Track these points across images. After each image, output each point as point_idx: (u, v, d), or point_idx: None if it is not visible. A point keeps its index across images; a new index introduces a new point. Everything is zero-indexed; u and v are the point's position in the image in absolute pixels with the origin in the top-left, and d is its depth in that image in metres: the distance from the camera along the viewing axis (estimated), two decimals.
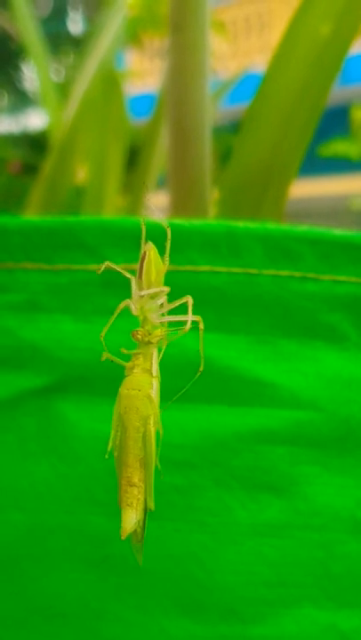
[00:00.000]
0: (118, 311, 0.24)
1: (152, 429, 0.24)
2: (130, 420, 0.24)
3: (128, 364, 0.24)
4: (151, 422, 0.24)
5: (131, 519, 0.24)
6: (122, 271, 0.24)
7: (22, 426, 0.31)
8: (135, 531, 0.25)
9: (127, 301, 0.24)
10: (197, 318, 0.24)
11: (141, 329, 0.24)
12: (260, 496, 0.30)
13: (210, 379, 0.30)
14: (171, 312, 0.24)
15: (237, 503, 0.30)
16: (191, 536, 0.30)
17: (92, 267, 0.30)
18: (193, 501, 0.30)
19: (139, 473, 0.24)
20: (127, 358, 0.25)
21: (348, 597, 0.30)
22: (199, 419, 0.30)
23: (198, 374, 0.25)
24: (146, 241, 0.24)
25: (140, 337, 0.24)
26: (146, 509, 0.24)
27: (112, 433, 0.24)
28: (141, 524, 0.25)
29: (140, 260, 0.24)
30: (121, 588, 0.31)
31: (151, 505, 0.24)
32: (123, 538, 0.24)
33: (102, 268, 0.25)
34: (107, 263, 0.25)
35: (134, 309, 0.24)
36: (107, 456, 0.24)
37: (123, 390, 0.24)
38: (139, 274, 0.24)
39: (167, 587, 0.30)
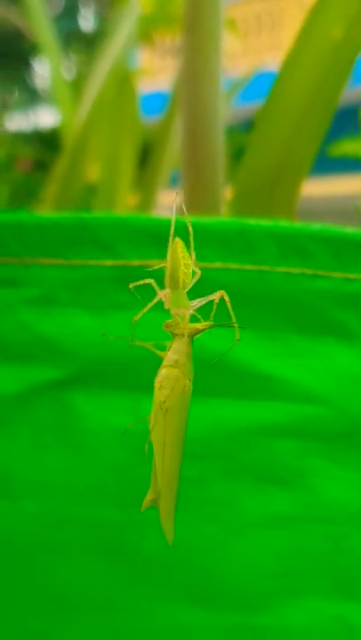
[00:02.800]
0: (155, 300, 0.25)
1: (165, 417, 0.25)
2: (157, 407, 0.25)
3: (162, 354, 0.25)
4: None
5: (148, 495, 0.25)
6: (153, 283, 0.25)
7: (37, 418, 0.31)
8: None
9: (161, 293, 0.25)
10: (222, 292, 0.24)
11: (173, 321, 0.25)
12: (269, 488, 0.30)
13: (221, 373, 0.30)
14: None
15: (246, 495, 0.30)
16: (201, 527, 0.31)
17: (107, 262, 0.31)
18: (203, 493, 0.31)
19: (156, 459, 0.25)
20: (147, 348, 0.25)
21: (355, 590, 0.30)
22: (210, 412, 0.31)
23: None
24: (162, 239, 0.25)
25: (190, 331, 0.25)
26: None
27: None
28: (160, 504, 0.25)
29: (169, 256, 0.24)
30: (132, 577, 0.31)
31: (157, 487, 0.25)
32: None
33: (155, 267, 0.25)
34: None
35: (166, 304, 0.25)
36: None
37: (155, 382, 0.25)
38: (173, 268, 0.24)
39: (177, 577, 0.31)
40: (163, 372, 0.24)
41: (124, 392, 0.31)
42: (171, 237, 0.24)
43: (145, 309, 0.25)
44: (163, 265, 0.25)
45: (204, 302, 0.25)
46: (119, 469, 0.31)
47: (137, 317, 0.25)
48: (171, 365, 0.25)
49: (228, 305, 0.24)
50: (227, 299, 0.24)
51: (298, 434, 0.30)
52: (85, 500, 0.31)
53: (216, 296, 0.25)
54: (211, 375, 0.29)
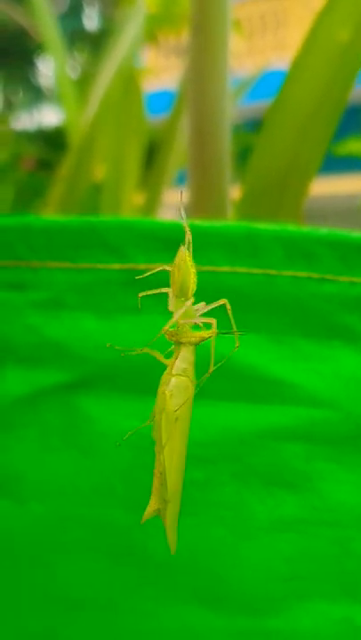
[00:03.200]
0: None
1: (167, 424, 0.25)
2: (156, 415, 0.25)
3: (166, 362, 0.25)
4: (164, 417, 0.25)
5: (150, 506, 0.25)
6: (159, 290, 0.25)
7: (45, 421, 0.32)
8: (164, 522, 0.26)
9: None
10: (212, 320, 0.25)
11: (175, 330, 0.25)
12: (277, 492, 0.31)
13: (229, 377, 0.30)
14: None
15: (255, 498, 0.31)
16: (209, 530, 0.31)
17: (115, 266, 0.31)
18: (211, 496, 0.31)
19: (159, 465, 0.25)
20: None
21: None
22: (218, 416, 0.31)
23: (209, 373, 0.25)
24: (167, 243, 0.25)
25: (173, 337, 0.25)
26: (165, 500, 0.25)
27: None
28: (166, 514, 0.25)
29: (175, 265, 0.24)
30: (139, 579, 0.31)
31: (165, 496, 0.25)
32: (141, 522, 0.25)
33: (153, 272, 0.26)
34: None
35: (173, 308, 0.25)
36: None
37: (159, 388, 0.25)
38: (178, 280, 0.24)
39: (185, 579, 0.31)
40: (173, 380, 0.25)
41: (131, 395, 0.31)
42: (186, 244, 0.24)
43: (173, 320, 0.25)
44: (166, 268, 0.25)
45: (207, 309, 0.25)
46: (126, 472, 0.31)
47: (166, 328, 0.25)
48: (180, 374, 0.25)
49: (230, 312, 0.24)
50: (228, 307, 0.24)
51: (305, 437, 0.31)
52: (93, 502, 0.31)
53: (219, 303, 0.25)
54: (218, 379, 0.29)
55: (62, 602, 0.32)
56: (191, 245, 0.25)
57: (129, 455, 0.31)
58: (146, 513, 0.26)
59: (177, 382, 0.25)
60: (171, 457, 0.25)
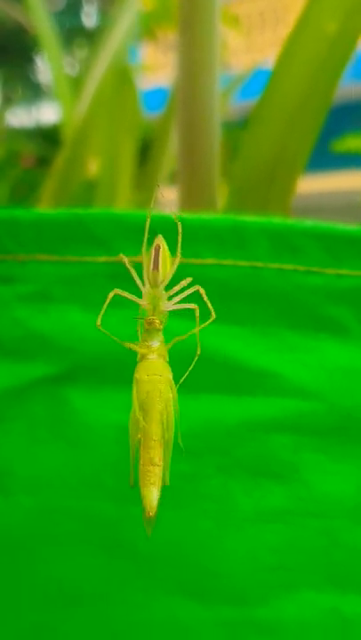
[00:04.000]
0: (108, 300, 0.25)
1: (172, 411, 0.25)
2: (153, 404, 0.25)
3: (142, 351, 0.25)
4: (172, 404, 0.25)
5: (155, 497, 0.25)
6: (131, 270, 0.25)
7: (32, 414, 0.32)
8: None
9: (116, 291, 0.25)
10: (194, 306, 0.25)
11: (156, 317, 0.25)
12: (263, 483, 0.31)
13: (214, 369, 0.30)
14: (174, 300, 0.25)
15: (241, 490, 0.31)
16: (195, 522, 0.31)
17: (102, 259, 0.31)
18: (197, 488, 0.31)
19: (159, 453, 0.25)
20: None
21: (350, 583, 0.31)
22: (204, 408, 0.31)
23: (195, 360, 0.26)
24: (150, 234, 0.25)
25: (157, 325, 0.25)
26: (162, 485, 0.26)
27: (132, 419, 0.25)
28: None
29: (152, 252, 0.25)
30: (128, 571, 0.31)
31: (167, 480, 0.25)
32: (152, 515, 0.25)
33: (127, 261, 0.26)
34: (120, 256, 0.26)
35: (145, 300, 0.25)
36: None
37: (143, 376, 0.25)
38: (153, 265, 0.25)
39: (173, 571, 0.31)
40: (167, 370, 0.25)
41: (118, 387, 0.31)
42: (146, 235, 0.25)
43: (102, 310, 0.25)
44: (139, 260, 0.25)
45: (183, 297, 0.25)
46: (115, 464, 0.31)
47: (98, 321, 0.25)
48: (167, 362, 0.25)
49: (205, 297, 0.25)
50: (202, 291, 0.25)
51: (292, 428, 0.31)
52: (81, 494, 0.32)
53: (193, 290, 0.25)
54: (204, 371, 0.29)
55: (52, 594, 0.32)
56: (180, 237, 0.25)
57: (117, 447, 0.31)
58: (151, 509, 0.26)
59: (167, 370, 0.25)
60: (163, 444, 0.25)
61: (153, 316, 0.25)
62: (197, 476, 0.31)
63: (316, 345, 0.31)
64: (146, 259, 0.25)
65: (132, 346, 0.25)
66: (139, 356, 0.26)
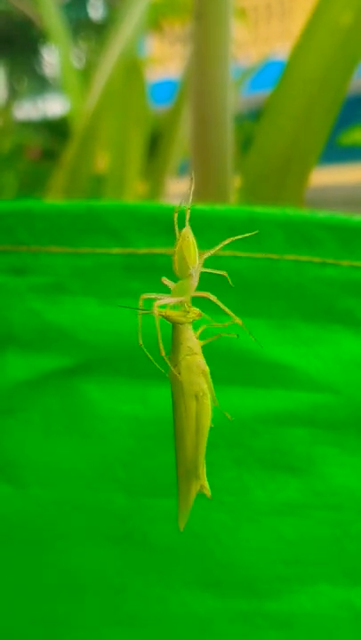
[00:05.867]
0: (141, 305, 0.25)
1: (199, 404, 0.25)
2: (190, 396, 0.25)
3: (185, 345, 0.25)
4: (209, 396, 0.25)
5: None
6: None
7: (46, 405, 0.32)
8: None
9: (144, 296, 0.25)
10: (207, 294, 0.25)
11: (189, 310, 0.25)
12: (279, 476, 0.31)
13: (230, 361, 0.30)
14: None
15: (256, 483, 0.31)
16: (210, 514, 0.31)
17: (116, 250, 0.31)
18: (213, 481, 0.31)
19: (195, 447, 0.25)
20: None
21: None
22: (220, 400, 0.31)
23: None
24: (180, 227, 0.25)
25: (195, 317, 0.25)
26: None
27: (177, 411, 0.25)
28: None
29: (179, 243, 0.24)
30: (142, 563, 0.31)
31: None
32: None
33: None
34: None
35: (175, 294, 0.25)
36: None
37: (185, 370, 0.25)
38: (183, 256, 0.25)
39: (187, 563, 0.31)
40: (197, 359, 0.25)
41: (133, 380, 0.31)
42: (176, 228, 0.24)
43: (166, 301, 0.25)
44: (169, 252, 0.25)
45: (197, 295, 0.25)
46: (128, 456, 0.31)
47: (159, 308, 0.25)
48: (196, 353, 0.25)
49: (218, 303, 0.25)
50: (213, 298, 0.25)
51: (307, 421, 0.31)
52: (95, 486, 0.32)
53: (203, 293, 0.25)
54: (220, 363, 0.29)
55: (66, 585, 0.32)
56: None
57: (130, 440, 0.31)
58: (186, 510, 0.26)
59: (196, 361, 0.25)
60: (195, 435, 0.25)
61: (186, 309, 0.25)
62: (213, 469, 0.31)
63: (331, 337, 0.31)
64: (177, 251, 0.25)
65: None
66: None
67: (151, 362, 0.26)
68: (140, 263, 0.31)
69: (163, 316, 0.25)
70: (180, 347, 0.25)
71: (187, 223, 0.24)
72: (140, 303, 0.25)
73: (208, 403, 0.25)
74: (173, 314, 0.25)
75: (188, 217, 0.24)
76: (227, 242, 0.25)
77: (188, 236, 0.24)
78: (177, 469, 0.26)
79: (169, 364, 0.25)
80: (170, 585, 0.31)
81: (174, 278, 0.25)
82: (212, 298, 0.25)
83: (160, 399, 0.31)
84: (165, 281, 0.25)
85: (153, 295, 0.25)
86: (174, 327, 0.25)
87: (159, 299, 0.25)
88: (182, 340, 0.25)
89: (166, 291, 0.25)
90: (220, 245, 0.25)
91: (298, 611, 0.31)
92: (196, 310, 0.25)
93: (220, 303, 0.24)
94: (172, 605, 0.31)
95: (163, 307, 0.25)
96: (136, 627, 0.31)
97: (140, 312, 0.25)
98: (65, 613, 0.32)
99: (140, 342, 0.25)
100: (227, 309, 0.24)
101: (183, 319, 0.25)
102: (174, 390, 0.25)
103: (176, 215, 0.24)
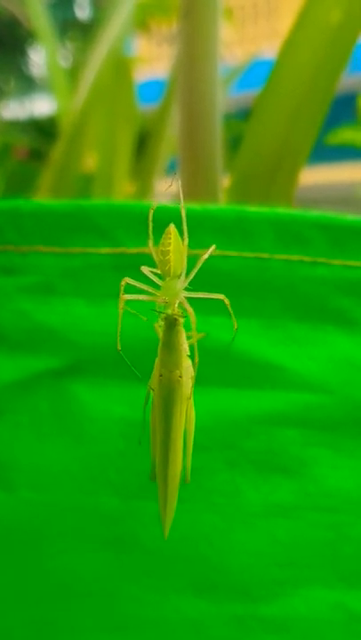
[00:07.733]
0: (122, 290, 0.25)
1: (187, 407, 0.25)
2: (185, 399, 0.25)
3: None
4: (187, 399, 0.25)
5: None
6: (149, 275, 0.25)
7: (36, 407, 0.31)
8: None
9: (126, 280, 0.25)
10: (222, 296, 0.24)
11: (176, 311, 0.25)
12: (271, 478, 0.30)
13: (222, 362, 0.30)
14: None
15: (249, 485, 0.30)
16: (203, 517, 0.31)
17: (105, 250, 0.31)
18: (205, 483, 0.31)
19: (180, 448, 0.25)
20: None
21: (357, 578, 0.30)
22: (211, 401, 0.30)
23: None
24: (154, 225, 0.25)
25: (180, 318, 0.25)
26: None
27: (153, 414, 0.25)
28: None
29: (162, 243, 0.24)
30: (134, 567, 0.31)
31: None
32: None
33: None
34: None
35: (162, 293, 0.25)
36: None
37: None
38: (164, 257, 0.24)
39: (180, 567, 0.31)
40: (185, 363, 0.25)
41: (123, 381, 0.31)
42: (150, 227, 0.24)
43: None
44: (157, 251, 0.25)
45: (201, 296, 0.25)
46: (119, 458, 0.31)
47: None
48: (188, 355, 0.25)
49: (229, 308, 0.24)
50: (227, 302, 0.24)
51: (300, 422, 0.30)
52: (86, 489, 0.31)
53: (218, 297, 0.25)
54: (211, 364, 0.29)
55: (58, 590, 0.32)
56: (186, 228, 0.25)
57: (121, 441, 0.31)
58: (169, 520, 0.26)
59: (187, 364, 0.25)
60: (181, 438, 0.25)
61: (170, 309, 0.25)
62: (205, 471, 0.31)
63: (323, 337, 0.30)
64: (158, 250, 0.24)
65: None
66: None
67: (142, 363, 0.26)
68: (129, 263, 0.30)
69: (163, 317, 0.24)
70: (179, 349, 0.25)
71: (184, 224, 0.24)
72: (121, 305, 0.24)
73: (192, 405, 0.25)
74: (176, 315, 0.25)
75: (184, 216, 0.24)
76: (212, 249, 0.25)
77: (175, 235, 0.24)
78: (158, 476, 0.26)
79: (164, 370, 0.25)
80: (163, 589, 0.31)
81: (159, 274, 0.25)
82: (227, 302, 0.25)
83: (151, 401, 0.31)
84: (145, 270, 0.25)
85: (134, 296, 0.25)
86: (171, 330, 0.25)
87: (142, 299, 0.24)
88: (182, 342, 0.25)
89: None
90: (209, 252, 0.25)
91: (292, 614, 0.30)
92: (181, 312, 0.25)
93: (230, 309, 0.24)
94: (166, 610, 0.31)
95: (161, 307, 0.25)
96: (129, 631, 0.31)
97: (129, 312, 0.25)
98: (56, 617, 0.32)
99: (119, 347, 0.24)
100: (232, 314, 0.24)
101: (181, 319, 0.25)
102: (169, 394, 0.25)
103: (151, 212, 0.24)
